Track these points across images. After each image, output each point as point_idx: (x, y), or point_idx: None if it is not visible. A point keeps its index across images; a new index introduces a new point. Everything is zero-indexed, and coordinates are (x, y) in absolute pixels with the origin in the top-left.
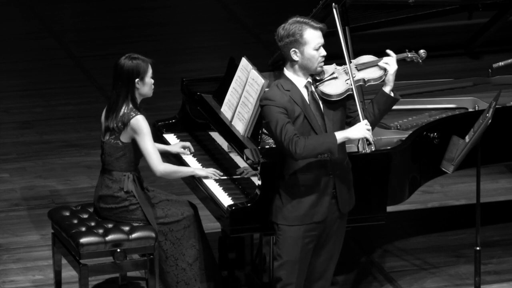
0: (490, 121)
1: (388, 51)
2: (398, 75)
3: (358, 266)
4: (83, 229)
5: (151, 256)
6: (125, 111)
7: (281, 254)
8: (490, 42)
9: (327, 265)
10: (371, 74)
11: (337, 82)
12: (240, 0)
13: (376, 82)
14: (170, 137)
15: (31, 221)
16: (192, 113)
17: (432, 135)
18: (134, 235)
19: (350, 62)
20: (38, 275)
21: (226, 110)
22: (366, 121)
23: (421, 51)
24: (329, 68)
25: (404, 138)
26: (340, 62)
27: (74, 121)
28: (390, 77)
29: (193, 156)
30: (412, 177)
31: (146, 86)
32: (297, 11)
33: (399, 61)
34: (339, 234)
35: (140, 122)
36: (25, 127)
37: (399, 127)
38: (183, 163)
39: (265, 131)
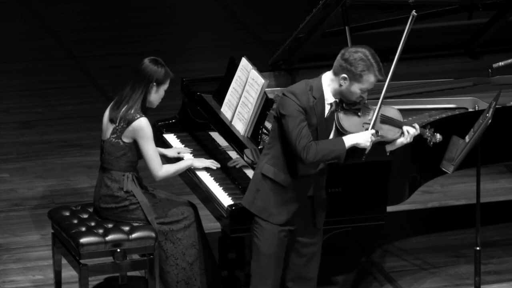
0: (490, 121)
1: (415, 124)
2: (398, 75)
3: (358, 266)
4: (83, 229)
5: (151, 256)
6: (131, 111)
7: (259, 248)
8: (490, 42)
9: (308, 264)
10: (388, 132)
11: (355, 120)
12: (240, 0)
13: (386, 141)
14: (170, 137)
15: (31, 221)
16: (192, 113)
17: None
18: (134, 235)
19: (380, 106)
20: (38, 275)
21: (226, 110)
22: (373, 131)
23: (438, 136)
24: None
25: None
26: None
27: (74, 121)
28: (399, 144)
29: (193, 156)
30: (412, 177)
31: (157, 95)
32: (297, 11)
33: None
34: (316, 239)
35: (143, 125)
36: (25, 127)
37: None
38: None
39: (264, 130)
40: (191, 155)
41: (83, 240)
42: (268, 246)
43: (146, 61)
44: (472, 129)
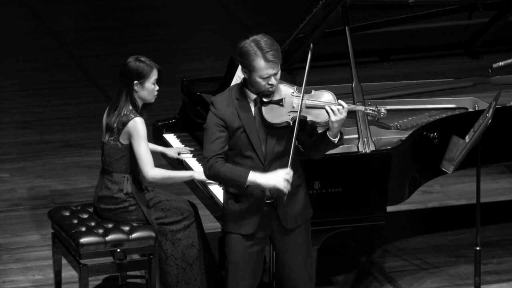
0: (490, 121)
1: (340, 101)
2: (398, 75)
3: (358, 266)
4: (83, 229)
5: (151, 256)
6: (126, 112)
7: (227, 255)
8: (490, 42)
9: (295, 272)
10: (317, 117)
11: (279, 111)
12: (240, 0)
13: (321, 125)
14: (170, 137)
15: (31, 221)
16: (192, 113)
17: (432, 135)
18: (134, 235)
19: (304, 95)
20: (38, 275)
21: None
22: (288, 170)
23: (383, 110)
24: (282, 91)
25: (404, 138)
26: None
27: (74, 121)
28: (334, 125)
29: (193, 156)
30: (412, 177)
31: (145, 90)
32: (297, 11)
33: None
34: (299, 242)
35: (137, 125)
36: (25, 127)
37: (399, 127)
38: (182, 163)
39: None
40: (191, 155)
41: (83, 240)
42: (233, 254)
43: (128, 60)
44: (472, 129)
